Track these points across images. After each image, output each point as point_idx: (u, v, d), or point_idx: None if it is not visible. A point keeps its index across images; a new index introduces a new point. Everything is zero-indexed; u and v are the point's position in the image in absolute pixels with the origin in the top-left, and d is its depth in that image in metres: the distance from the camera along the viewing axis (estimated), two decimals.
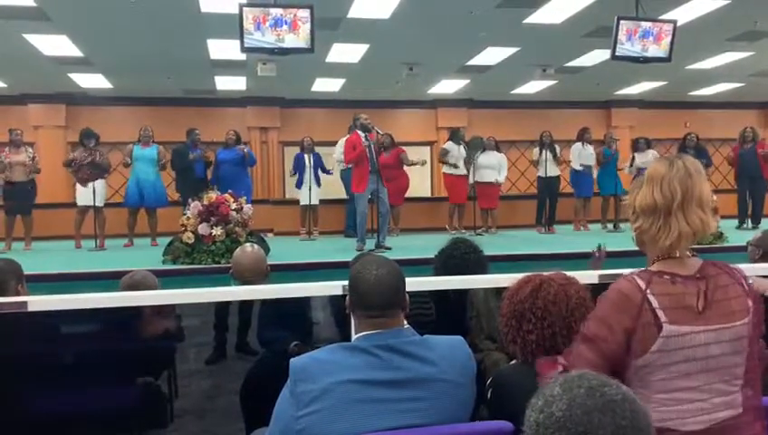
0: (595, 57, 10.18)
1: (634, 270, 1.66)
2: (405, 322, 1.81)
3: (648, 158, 10.02)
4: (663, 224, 1.61)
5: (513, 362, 2.00)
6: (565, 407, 1.04)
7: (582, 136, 10.41)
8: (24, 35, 8.56)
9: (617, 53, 7.60)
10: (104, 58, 9.92)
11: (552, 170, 10.14)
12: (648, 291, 1.56)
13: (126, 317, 2.41)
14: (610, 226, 10.39)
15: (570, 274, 1.97)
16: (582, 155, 10.32)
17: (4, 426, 2.21)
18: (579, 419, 1.02)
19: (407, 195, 10.49)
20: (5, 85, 11.54)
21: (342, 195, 10.25)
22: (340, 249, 7.75)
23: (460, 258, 2.82)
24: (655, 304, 1.55)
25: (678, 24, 7.72)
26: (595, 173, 10.57)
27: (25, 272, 3.06)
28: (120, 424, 2.47)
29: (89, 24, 8.21)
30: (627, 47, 7.60)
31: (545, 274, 1.92)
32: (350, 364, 1.68)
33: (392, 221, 10.14)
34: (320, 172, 10.08)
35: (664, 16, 7.88)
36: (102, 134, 9.16)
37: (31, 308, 2.13)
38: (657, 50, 7.71)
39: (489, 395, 1.89)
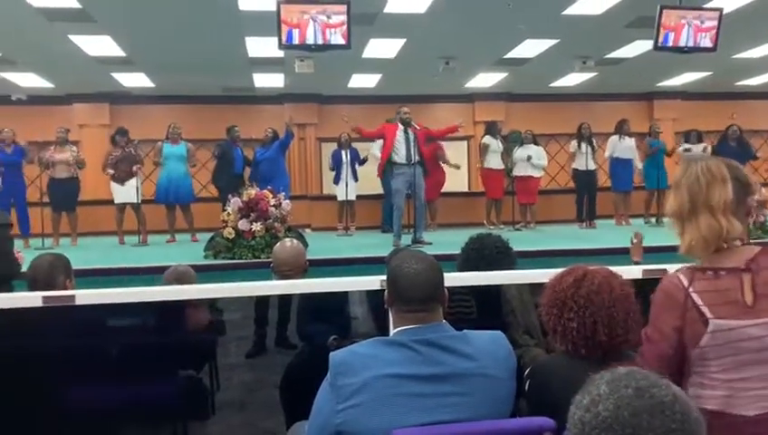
0: (637, 48, 9.96)
1: (682, 266, 1.67)
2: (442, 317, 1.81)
3: (698, 150, 9.84)
4: (681, 230, 1.66)
5: (553, 354, 1.99)
6: (612, 407, 1.00)
7: (621, 128, 10.21)
8: (70, 36, 8.78)
9: (659, 44, 7.42)
10: (146, 57, 10.12)
11: (591, 164, 9.98)
12: (691, 288, 1.58)
13: (169, 311, 2.46)
14: (654, 220, 10.17)
15: (613, 269, 1.95)
16: (619, 148, 10.13)
17: (52, 417, 2.28)
18: (626, 420, 0.99)
19: (443, 190, 10.45)
20: (52, 86, 11.86)
21: (379, 190, 10.27)
22: (378, 244, 7.77)
23: (475, 258, 2.79)
24: (698, 301, 1.57)
25: (724, 11, 7.49)
26: (639, 165, 10.34)
27: (72, 267, 3.16)
28: (163, 416, 2.52)
29: (131, 24, 8.37)
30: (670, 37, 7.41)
31: (590, 266, 1.91)
32: (389, 359, 1.68)
33: (429, 216, 10.12)
34: (356, 166, 10.13)
35: (709, 4, 7.66)
36: (144, 132, 9.39)
37: (78, 302, 2.19)
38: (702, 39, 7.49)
39: (527, 386, 1.89)
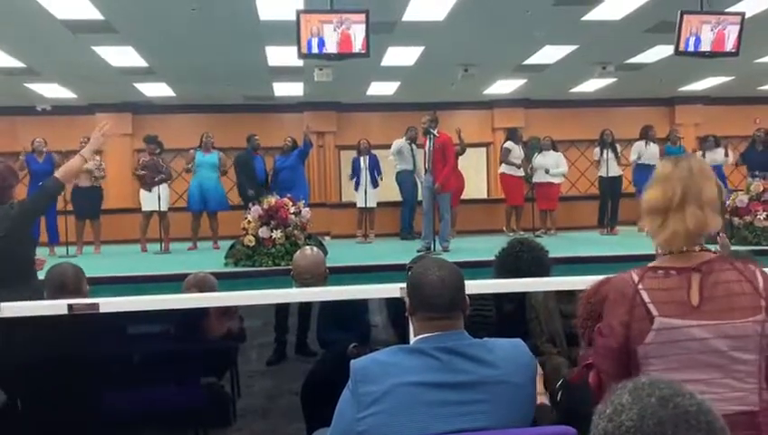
0: (657, 53, 9.87)
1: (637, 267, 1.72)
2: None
3: (717, 156, 9.70)
4: (661, 222, 1.67)
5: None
6: (636, 417, 0.99)
7: (646, 134, 10.12)
8: (93, 48, 8.92)
9: (680, 49, 7.35)
10: (167, 67, 10.25)
11: (614, 170, 9.90)
12: (641, 286, 1.63)
13: (191, 318, 2.48)
14: None
15: None
16: (645, 154, 10.03)
17: (74, 423, 2.30)
18: (651, 430, 0.97)
19: (462, 196, 10.43)
20: (76, 96, 12.05)
21: (398, 197, 10.28)
22: (397, 251, 7.78)
23: (515, 256, 2.79)
24: (646, 298, 1.61)
25: (747, 16, 7.40)
26: None
27: (95, 275, 3.21)
28: (184, 423, 2.53)
29: (153, 34, 8.49)
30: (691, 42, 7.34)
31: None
32: (410, 366, 1.68)
33: None
34: (376, 175, 10.16)
35: (730, 9, 7.58)
36: (166, 141, 9.50)
37: (102, 310, 2.22)
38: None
39: (559, 397, 1.87)
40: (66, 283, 3.02)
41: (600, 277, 1.92)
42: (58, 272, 3.10)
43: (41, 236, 8.70)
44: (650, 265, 1.69)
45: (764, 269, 1.69)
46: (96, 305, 2.23)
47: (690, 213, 1.64)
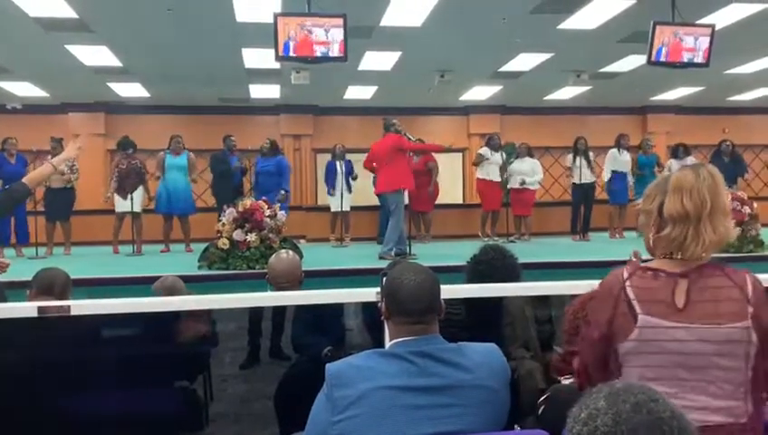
0: (631, 62, 10.04)
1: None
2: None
3: (686, 164, 9.82)
4: (694, 232, 1.65)
5: (571, 380, 1.94)
6: (611, 422, 1.01)
7: (619, 142, 10.26)
8: (67, 46, 8.79)
9: (653, 59, 7.49)
10: (142, 67, 10.13)
11: (587, 177, 10.02)
12: (628, 283, 1.64)
13: (164, 322, 2.46)
14: None
15: None
16: (618, 161, 10.18)
17: (44, 426, 2.27)
18: None
19: (437, 201, 10.48)
20: (48, 95, 11.86)
21: (374, 201, 10.27)
22: (373, 255, 7.77)
23: (487, 264, 2.81)
24: (631, 295, 1.62)
25: (717, 28, 7.58)
26: (631, 180, 10.41)
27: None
28: (156, 427, 2.50)
29: (128, 34, 8.39)
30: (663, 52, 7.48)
31: None
32: (385, 370, 1.68)
33: (423, 228, 10.16)
34: (350, 180, 10.15)
35: (701, 21, 7.75)
36: (140, 142, 9.38)
37: (74, 312, 2.19)
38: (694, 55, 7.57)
39: (541, 410, 1.85)
40: (53, 287, 3.03)
41: (586, 292, 1.91)
42: (50, 275, 3.10)
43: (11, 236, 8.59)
44: (641, 265, 1.69)
45: (758, 277, 1.68)
46: (67, 308, 2.20)
47: (720, 222, 1.65)
